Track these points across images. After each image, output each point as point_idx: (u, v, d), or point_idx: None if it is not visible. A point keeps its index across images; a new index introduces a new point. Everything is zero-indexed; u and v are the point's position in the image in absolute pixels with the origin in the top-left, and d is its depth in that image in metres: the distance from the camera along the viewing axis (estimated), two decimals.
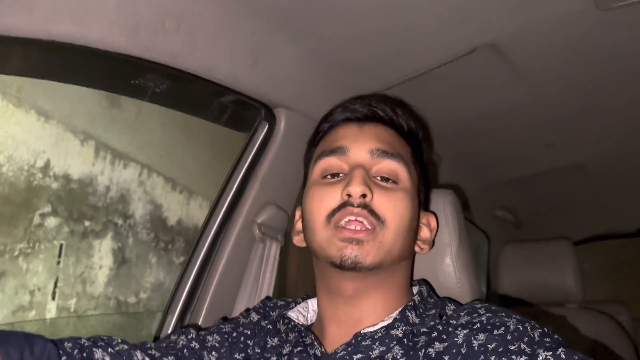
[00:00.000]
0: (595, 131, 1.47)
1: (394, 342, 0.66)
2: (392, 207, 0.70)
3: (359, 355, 0.66)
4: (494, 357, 0.57)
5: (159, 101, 1.02)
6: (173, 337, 0.80)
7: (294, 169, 1.10)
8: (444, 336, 0.64)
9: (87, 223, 2.16)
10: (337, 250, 0.67)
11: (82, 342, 0.70)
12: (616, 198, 2.00)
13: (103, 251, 2.23)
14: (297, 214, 0.82)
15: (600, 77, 1.18)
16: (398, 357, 0.64)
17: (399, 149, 0.76)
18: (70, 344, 0.69)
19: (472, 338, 0.61)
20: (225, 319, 0.88)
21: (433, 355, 0.62)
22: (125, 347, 0.73)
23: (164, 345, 0.78)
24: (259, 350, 0.76)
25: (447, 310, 0.71)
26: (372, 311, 0.71)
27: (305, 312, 0.81)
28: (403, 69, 1.12)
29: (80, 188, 2.14)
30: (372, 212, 0.69)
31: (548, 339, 0.59)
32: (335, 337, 0.71)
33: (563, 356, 0.54)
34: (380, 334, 0.67)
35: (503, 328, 0.60)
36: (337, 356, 0.66)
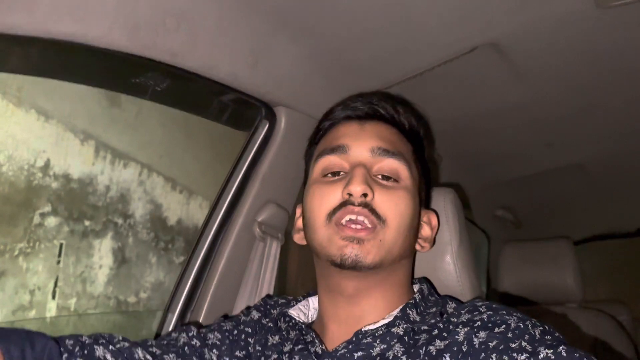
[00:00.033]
0: (595, 131, 1.47)
1: (395, 340, 0.66)
2: (393, 206, 0.70)
3: (359, 353, 0.66)
4: (495, 354, 0.57)
5: (160, 100, 1.02)
6: (174, 335, 0.80)
7: (294, 167, 1.10)
8: (445, 334, 0.64)
9: (87, 222, 2.16)
10: (337, 249, 0.67)
11: (83, 340, 0.70)
12: (616, 198, 2.00)
13: (103, 251, 2.23)
14: (298, 211, 0.82)
15: (600, 76, 1.18)
16: (399, 354, 0.64)
17: (400, 147, 0.76)
18: (71, 342, 0.69)
19: (473, 336, 0.61)
20: (226, 317, 0.88)
21: (434, 353, 0.62)
22: (126, 344, 0.73)
23: (165, 342, 0.78)
24: (259, 348, 0.76)
25: (448, 308, 0.70)
26: (373, 309, 0.71)
27: (306, 310, 0.81)
28: (403, 68, 1.12)
29: (80, 188, 2.14)
30: (373, 211, 0.69)
31: (549, 337, 0.59)
32: (336, 335, 0.71)
33: (564, 354, 0.54)
34: (381, 332, 0.67)
35: (504, 326, 0.60)
36: (338, 354, 0.66)
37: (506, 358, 0.56)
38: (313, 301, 0.82)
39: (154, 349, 0.75)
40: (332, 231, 0.69)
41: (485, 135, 1.49)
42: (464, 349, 0.60)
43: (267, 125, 1.10)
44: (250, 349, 0.78)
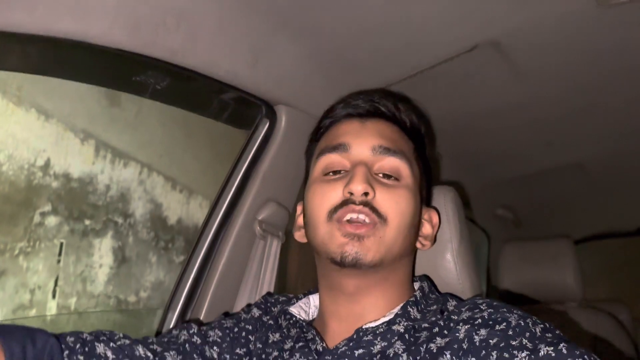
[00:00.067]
0: (596, 130, 1.47)
1: (396, 338, 0.66)
2: (394, 204, 0.70)
3: (360, 351, 0.66)
4: (495, 352, 0.57)
5: (160, 98, 1.02)
6: (175, 332, 0.80)
7: (294, 166, 1.10)
8: (446, 331, 0.64)
9: (87, 222, 2.16)
10: (338, 247, 0.67)
11: (84, 337, 0.70)
12: (616, 197, 2.00)
13: (103, 250, 2.23)
14: (299, 209, 0.82)
15: (600, 76, 1.18)
16: (399, 352, 0.64)
17: (401, 146, 0.76)
18: (72, 339, 0.69)
19: (474, 333, 0.61)
20: (226, 315, 0.88)
21: (434, 351, 0.62)
22: (127, 341, 0.73)
23: (165, 340, 0.78)
24: (260, 346, 0.76)
25: (448, 306, 0.70)
26: (373, 307, 0.71)
27: (306, 308, 0.81)
28: (403, 66, 1.12)
29: (81, 187, 2.14)
30: (374, 210, 0.69)
31: (550, 334, 0.59)
32: (337, 333, 0.71)
33: (564, 351, 0.54)
34: (381, 329, 0.67)
35: (505, 323, 0.60)
36: (339, 351, 0.66)
37: (507, 355, 0.56)
38: (314, 299, 0.82)
39: (155, 346, 0.75)
40: (334, 227, 0.69)
41: (485, 134, 1.49)
42: (465, 347, 0.60)
43: (268, 124, 1.10)
44: (250, 346, 0.78)
